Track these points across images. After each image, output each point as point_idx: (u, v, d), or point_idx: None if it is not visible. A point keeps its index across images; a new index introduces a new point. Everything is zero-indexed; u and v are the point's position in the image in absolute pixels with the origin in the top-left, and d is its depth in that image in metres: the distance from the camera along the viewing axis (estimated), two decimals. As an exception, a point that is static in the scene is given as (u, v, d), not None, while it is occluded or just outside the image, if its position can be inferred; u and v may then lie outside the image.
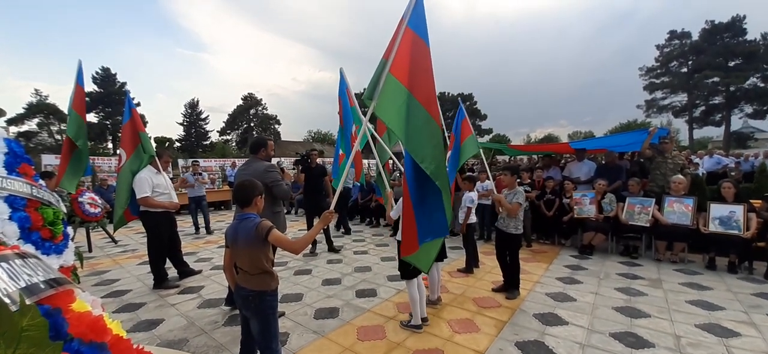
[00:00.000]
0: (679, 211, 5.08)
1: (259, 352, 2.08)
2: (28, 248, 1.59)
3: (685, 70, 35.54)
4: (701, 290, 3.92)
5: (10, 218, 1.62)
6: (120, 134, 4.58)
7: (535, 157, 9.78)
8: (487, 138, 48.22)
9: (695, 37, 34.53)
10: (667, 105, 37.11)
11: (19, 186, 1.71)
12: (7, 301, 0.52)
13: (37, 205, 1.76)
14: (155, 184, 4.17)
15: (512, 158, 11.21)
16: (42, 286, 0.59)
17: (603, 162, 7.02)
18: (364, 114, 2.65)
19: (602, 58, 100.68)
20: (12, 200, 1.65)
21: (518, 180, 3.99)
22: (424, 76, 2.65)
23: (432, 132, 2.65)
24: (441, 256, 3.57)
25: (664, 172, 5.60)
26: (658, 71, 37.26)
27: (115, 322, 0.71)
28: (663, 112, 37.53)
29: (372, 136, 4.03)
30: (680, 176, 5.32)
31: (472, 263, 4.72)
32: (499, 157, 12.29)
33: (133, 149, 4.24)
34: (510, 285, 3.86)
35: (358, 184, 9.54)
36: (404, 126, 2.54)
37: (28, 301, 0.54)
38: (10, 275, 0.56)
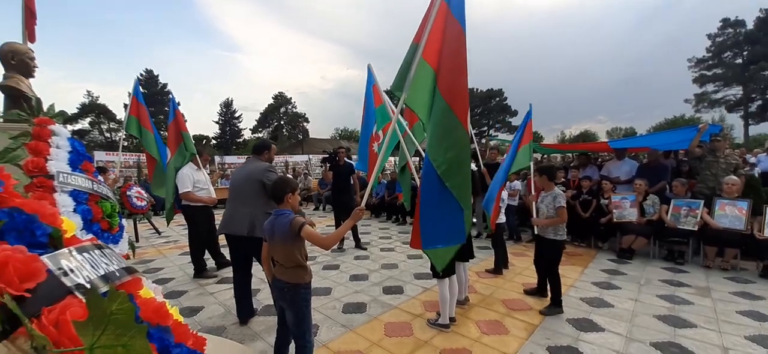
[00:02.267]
0: (731, 214, 4.71)
1: (293, 341, 2.17)
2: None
3: (739, 61, 32.58)
4: (753, 300, 3.63)
5: (75, 211, 1.79)
6: (165, 133, 5.03)
7: (569, 155, 9.38)
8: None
9: (750, 25, 31.55)
10: (719, 99, 34.22)
11: (82, 181, 1.88)
12: (89, 287, 0.59)
13: (97, 199, 1.93)
14: (196, 180, 4.45)
15: (545, 157, 10.81)
16: (117, 274, 0.67)
17: (645, 160, 6.62)
18: (395, 105, 2.53)
19: (645, 49, 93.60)
20: (76, 194, 1.82)
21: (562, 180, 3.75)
22: (454, 62, 2.33)
23: (450, 128, 2.38)
24: (468, 255, 3.51)
25: (716, 173, 5.19)
26: (710, 63, 34.43)
27: (174, 308, 0.78)
28: (715, 106, 34.66)
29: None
30: (734, 177, 4.92)
31: (501, 264, 4.62)
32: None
33: (177, 147, 4.55)
34: (550, 299, 3.47)
35: (384, 183, 9.61)
36: (428, 116, 2.39)
37: (104, 289, 0.61)
38: (92, 264, 0.63)
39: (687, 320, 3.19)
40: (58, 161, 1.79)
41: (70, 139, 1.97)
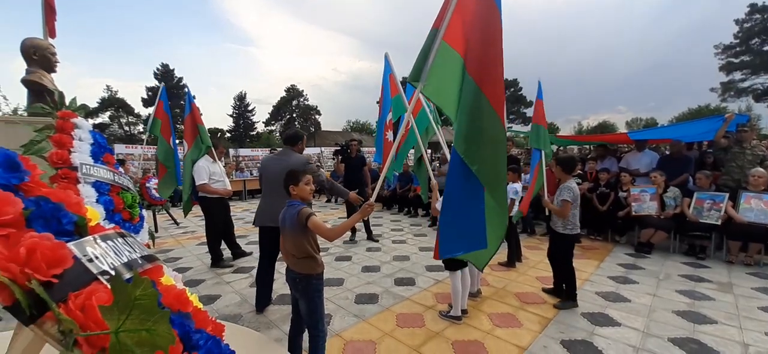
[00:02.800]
0: (757, 208, 4.52)
1: (307, 330, 2.21)
2: (114, 228, 1.82)
3: (767, 48, 30.96)
4: (780, 297, 3.50)
5: (97, 201, 1.85)
6: (180, 126, 5.17)
7: (587, 147, 9.15)
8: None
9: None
10: (746, 87, 32.67)
11: (104, 173, 1.95)
12: (113, 273, 0.61)
13: (119, 190, 1.99)
14: (212, 172, 4.55)
15: (561, 148, 10.57)
16: (139, 261, 0.69)
17: (667, 152, 6.40)
18: (412, 96, 2.27)
19: (670, 35, 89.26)
20: (98, 185, 1.88)
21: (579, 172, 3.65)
22: (486, 49, 2.07)
23: (484, 119, 2.09)
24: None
25: (742, 164, 4.99)
26: (737, 49, 32.80)
27: (193, 296, 0.80)
28: (742, 95, 33.11)
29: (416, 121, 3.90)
30: (761, 169, 4.72)
31: (514, 257, 4.58)
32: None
33: (193, 140, 4.67)
34: (563, 293, 3.42)
35: (396, 174, 9.60)
36: (456, 108, 2.14)
37: (127, 276, 0.63)
38: (115, 252, 0.66)
39: (707, 316, 3.11)
40: (81, 153, 1.85)
41: (91, 132, 2.03)
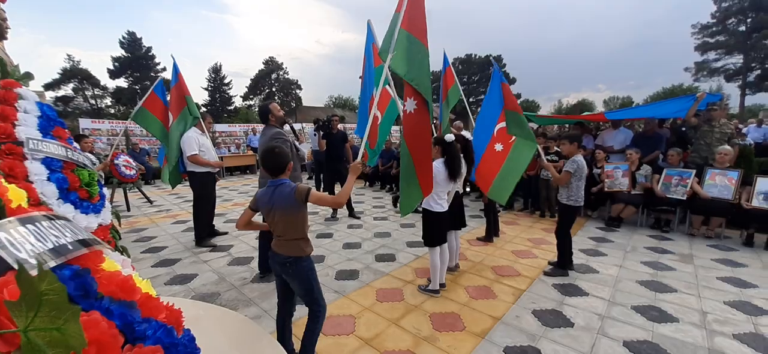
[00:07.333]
0: (721, 184, 4.76)
1: (307, 307, 2.10)
2: (67, 209, 1.70)
3: (743, 28, 31.87)
4: (735, 267, 3.74)
5: (49, 179, 1.71)
6: (169, 97, 4.81)
7: (566, 126, 9.31)
8: (513, 104, 46.10)
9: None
10: (719, 68, 33.77)
11: (55, 148, 1.79)
12: (33, 262, 0.54)
13: (73, 167, 1.85)
14: (201, 144, 4.40)
15: (540, 127, 10.71)
16: (70, 247, 0.62)
17: (640, 130, 6.58)
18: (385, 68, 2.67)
19: (657, 14, 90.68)
20: (49, 162, 1.73)
21: (556, 149, 3.73)
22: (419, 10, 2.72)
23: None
24: (460, 224, 3.55)
25: (710, 142, 5.18)
26: (714, 29, 33.57)
27: (145, 281, 0.74)
28: (714, 75, 34.22)
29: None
30: (727, 147, 4.92)
31: (492, 232, 4.68)
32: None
33: (179, 111, 4.51)
34: (558, 263, 3.64)
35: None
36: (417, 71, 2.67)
37: (52, 264, 0.57)
38: (37, 237, 0.58)
39: (668, 285, 3.29)
40: (27, 127, 1.70)
41: (38, 104, 1.85)
